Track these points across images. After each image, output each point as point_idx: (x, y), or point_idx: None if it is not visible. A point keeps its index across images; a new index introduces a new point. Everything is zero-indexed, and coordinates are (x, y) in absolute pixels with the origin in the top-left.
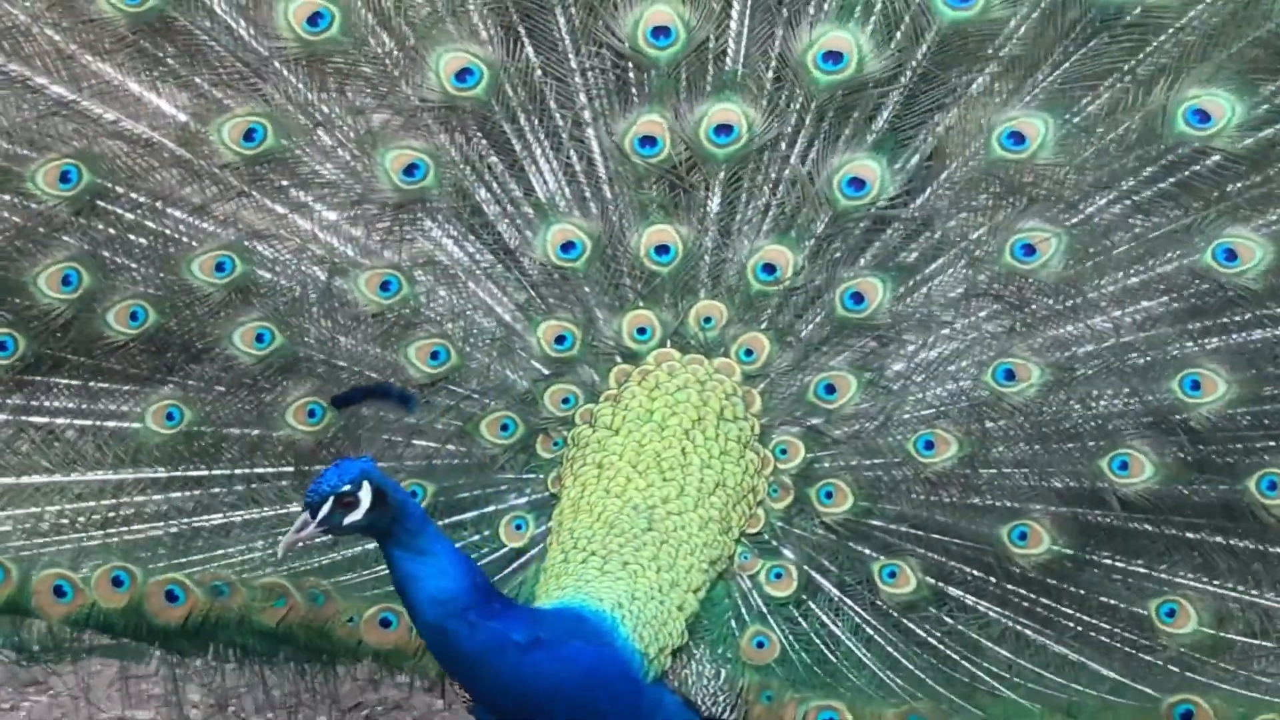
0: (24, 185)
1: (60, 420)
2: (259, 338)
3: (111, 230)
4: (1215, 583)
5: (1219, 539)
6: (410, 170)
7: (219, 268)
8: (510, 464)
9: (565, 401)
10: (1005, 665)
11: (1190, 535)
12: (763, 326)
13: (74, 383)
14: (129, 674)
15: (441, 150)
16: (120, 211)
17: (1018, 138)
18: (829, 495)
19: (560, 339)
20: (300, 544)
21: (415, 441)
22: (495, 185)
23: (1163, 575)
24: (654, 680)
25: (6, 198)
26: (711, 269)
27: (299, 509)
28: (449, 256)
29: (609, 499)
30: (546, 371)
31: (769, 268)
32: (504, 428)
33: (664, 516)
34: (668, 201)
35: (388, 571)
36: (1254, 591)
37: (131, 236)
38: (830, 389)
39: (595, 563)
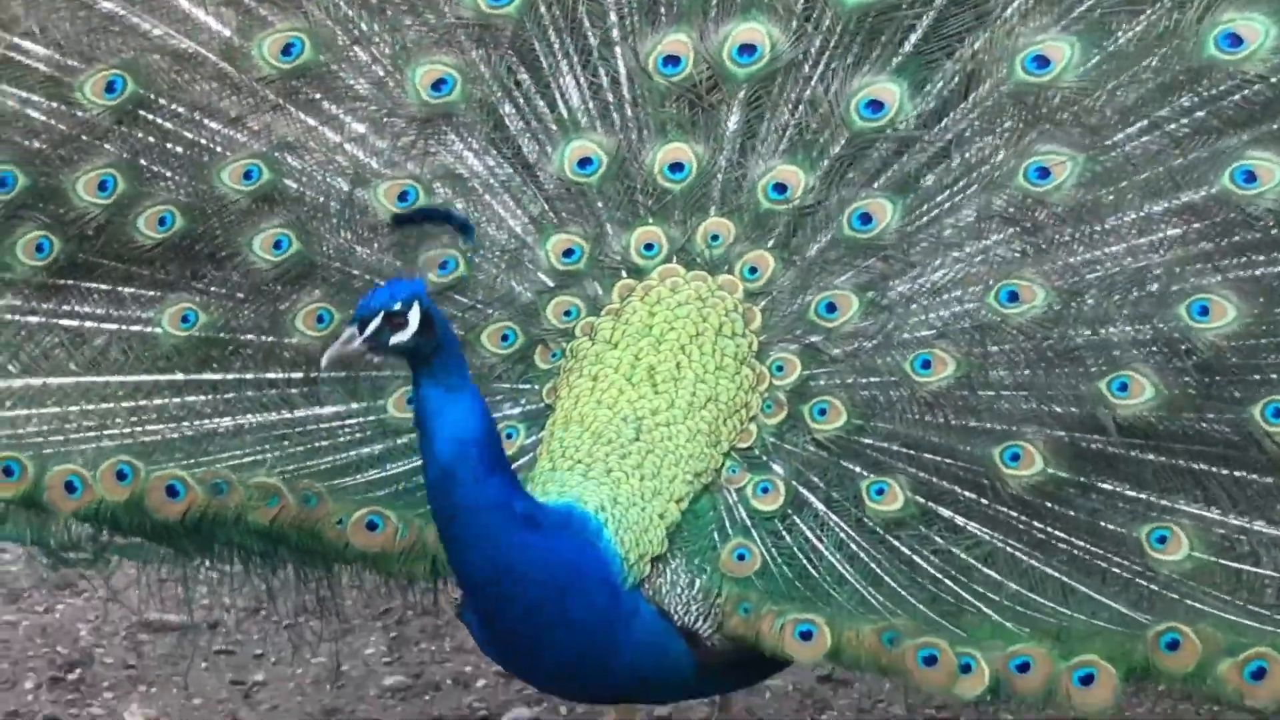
0: (72, 94)
1: (89, 324)
2: (277, 244)
3: (150, 139)
4: (1212, 509)
5: (1219, 469)
6: (438, 85)
7: (246, 175)
8: (507, 374)
9: (567, 314)
10: (994, 586)
11: (1190, 465)
12: (769, 245)
13: (103, 287)
14: (162, 578)
15: (471, 66)
16: (160, 121)
17: (1042, 61)
18: (822, 412)
19: (568, 252)
20: (344, 359)
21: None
22: (521, 101)
23: (1157, 501)
24: (631, 587)
25: (55, 105)
26: (723, 187)
27: (305, 413)
28: (468, 169)
29: (600, 410)
30: (551, 284)
31: (780, 187)
32: (504, 338)
33: (652, 427)
34: (685, 120)
35: (413, 408)
36: (1250, 520)
37: (169, 145)
38: (831, 307)
39: (580, 469)
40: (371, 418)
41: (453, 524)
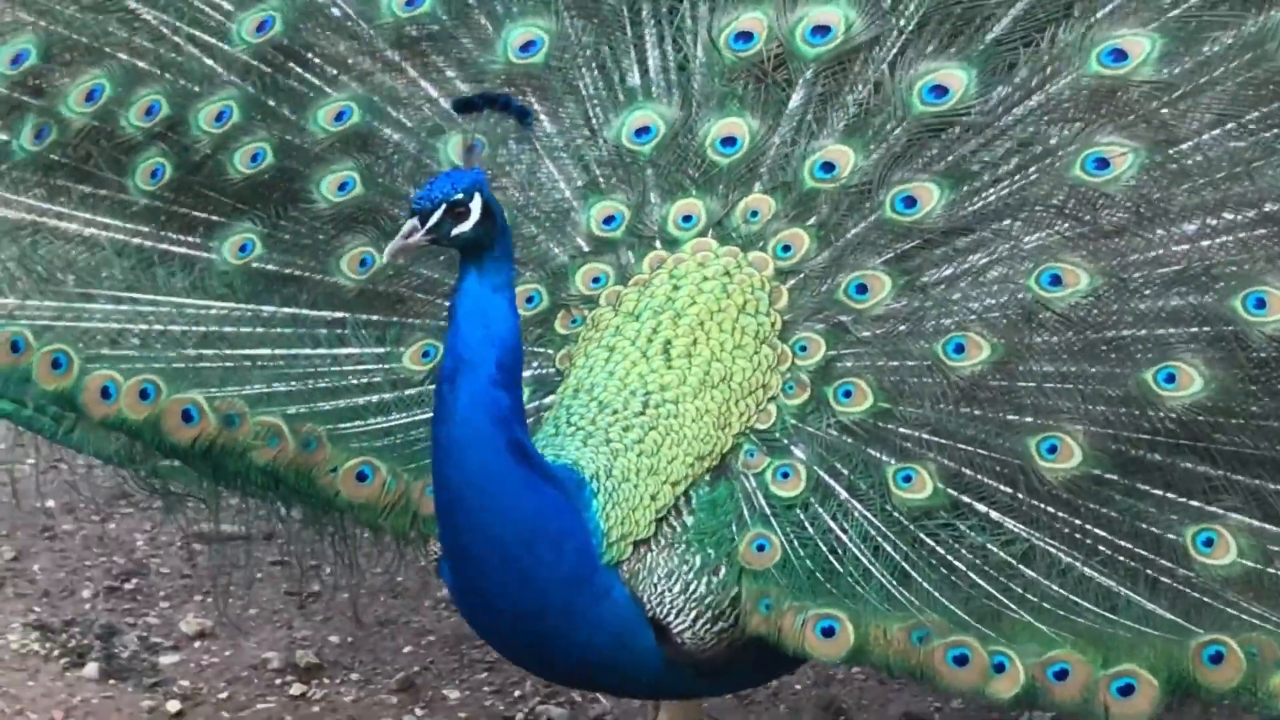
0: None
1: (164, 246)
2: (342, 185)
3: (281, 78)
4: (1263, 521)
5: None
6: (527, 47)
7: (338, 116)
8: (525, 335)
9: (596, 280)
10: (1031, 587)
11: (1239, 477)
12: (806, 223)
13: (189, 213)
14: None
15: (561, 31)
16: (294, 66)
17: (1118, 54)
18: (848, 394)
19: (609, 219)
20: (406, 251)
21: (447, 301)
22: (597, 69)
23: (1203, 507)
24: (608, 564)
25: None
26: (770, 164)
27: (329, 351)
28: (534, 130)
29: (611, 380)
30: (587, 249)
31: (828, 166)
32: (529, 300)
33: (660, 403)
34: (745, 96)
35: (452, 299)
36: None
37: (294, 85)
38: (862, 289)
39: (580, 436)
40: (387, 365)
41: (448, 425)
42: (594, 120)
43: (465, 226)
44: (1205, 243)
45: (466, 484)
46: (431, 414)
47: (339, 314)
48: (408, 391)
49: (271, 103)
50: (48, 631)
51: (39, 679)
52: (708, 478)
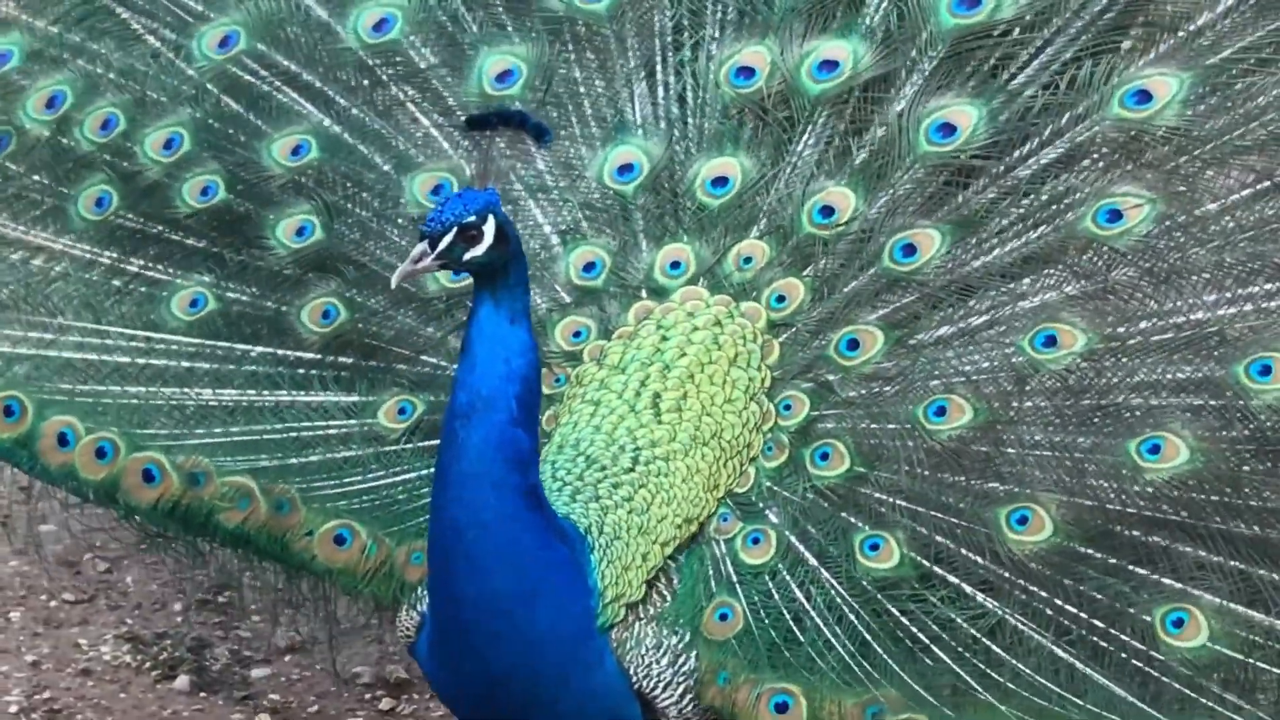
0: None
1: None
2: (300, 231)
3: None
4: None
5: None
6: (503, 77)
7: (295, 151)
8: None
9: (577, 335)
10: (995, 664)
11: (1217, 557)
12: (802, 272)
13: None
14: None
15: (538, 57)
16: (261, 76)
17: (1143, 96)
18: (824, 457)
19: (589, 266)
20: (415, 277)
21: (424, 356)
22: (586, 103)
23: (1176, 585)
24: (603, 629)
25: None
26: (765, 207)
27: (295, 397)
28: (511, 165)
29: (598, 435)
30: (567, 299)
31: (826, 210)
32: None
33: (649, 459)
34: (740, 134)
35: (467, 328)
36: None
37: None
38: (854, 344)
39: (568, 491)
40: (360, 421)
41: (460, 464)
42: (575, 158)
43: (478, 251)
44: (1223, 310)
45: (474, 528)
46: (438, 454)
47: (307, 355)
48: (385, 448)
49: (229, 130)
50: (140, 644)
51: (130, 691)
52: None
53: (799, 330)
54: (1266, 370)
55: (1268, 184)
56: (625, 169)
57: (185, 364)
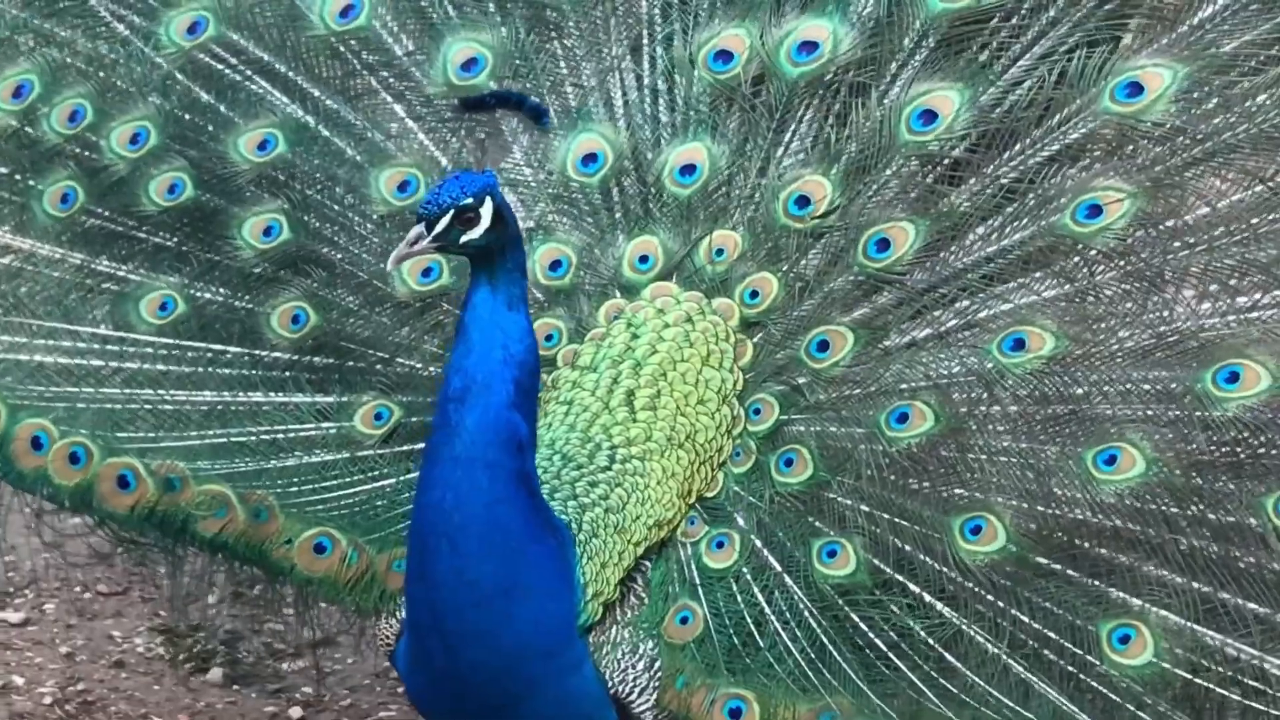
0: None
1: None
2: (267, 230)
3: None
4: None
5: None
6: (468, 65)
7: (261, 146)
8: None
9: (548, 339)
10: (948, 673)
11: (1164, 572)
12: (775, 266)
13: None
14: None
15: (505, 44)
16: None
17: (1135, 88)
18: (789, 463)
19: (555, 265)
20: (410, 258)
21: (399, 359)
22: (553, 92)
23: (1126, 599)
24: (583, 630)
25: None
26: (737, 197)
27: (269, 398)
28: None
29: (572, 434)
30: (540, 298)
31: (802, 200)
32: None
33: (625, 458)
34: (714, 119)
35: (462, 312)
36: (1229, 636)
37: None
38: (824, 345)
39: (545, 490)
40: (336, 424)
41: (452, 445)
42: (539, 152)
43: (475, 233)
44: (1206, 318)
45: (462, 510)
46: (428, 438)
47: (282, 356)
48: (360, 454)
49: (197, 121)
50: (173, 636)
51: (164, 683)
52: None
53: (771, 330)
54: (1234, 377)
55: (1260, 186)
56: (589, 159)
57: (160, 366)
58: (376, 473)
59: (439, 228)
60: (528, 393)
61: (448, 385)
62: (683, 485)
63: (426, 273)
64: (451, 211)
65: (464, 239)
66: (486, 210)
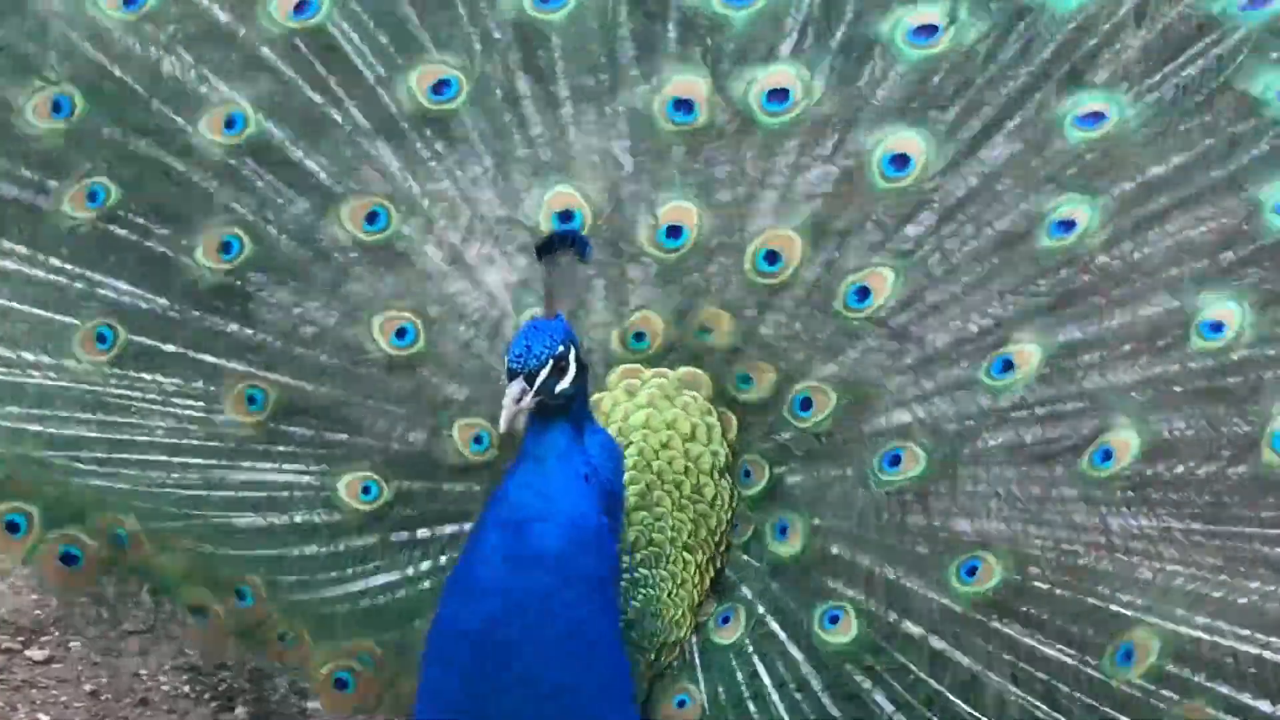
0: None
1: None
2: (226, 247)
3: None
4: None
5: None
6: (440, 88)
7: (229, 124)
8: (478, 477)
9: None
10: None
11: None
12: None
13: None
14: None
15: (474, 69)
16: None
17: (1094, 117)
18: (784, 530)
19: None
20: (522, 415)
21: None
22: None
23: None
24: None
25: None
26: (714, 254)
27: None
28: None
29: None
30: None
31: (771, 256)
32: (478, 440)
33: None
34: (694, 172)
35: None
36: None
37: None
38: (807, 404)
39: None
40: (319, 487)
41: (533, 573)
42: (511, 198)
43: (566, 381)
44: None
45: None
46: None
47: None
48: (337, 518)
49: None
50: (198, 674)
51: None
52: None
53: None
54: (1218, 327)
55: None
56: (566, 217)
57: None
58: (371, 562)
59: (540, 379)
60: (614, 514)
61: (523, 510)
62: (695, 595)
63: (401, 333)
64: (550, 362)
65: (559, 388)
66: (573, 357)
